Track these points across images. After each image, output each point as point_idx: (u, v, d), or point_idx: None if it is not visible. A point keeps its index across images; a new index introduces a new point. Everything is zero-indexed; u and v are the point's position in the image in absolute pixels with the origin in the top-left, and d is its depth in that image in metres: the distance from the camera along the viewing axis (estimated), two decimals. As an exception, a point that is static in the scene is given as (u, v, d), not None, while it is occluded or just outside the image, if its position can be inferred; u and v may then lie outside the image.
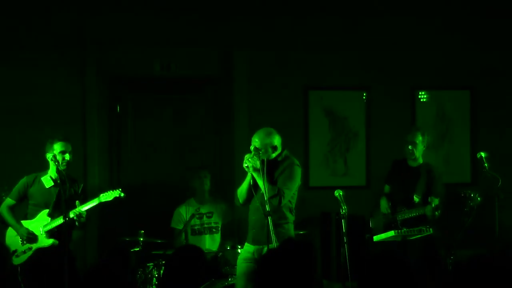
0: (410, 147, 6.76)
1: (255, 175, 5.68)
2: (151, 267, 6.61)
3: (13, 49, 7.60)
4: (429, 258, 6.80)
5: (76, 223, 6.28)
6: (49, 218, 6.31)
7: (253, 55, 7.92)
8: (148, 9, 7.75)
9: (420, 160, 6.85)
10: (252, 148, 5.77)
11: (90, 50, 7.72)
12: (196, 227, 7.27)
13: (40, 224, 6.32)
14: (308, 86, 8.06)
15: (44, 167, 6.55)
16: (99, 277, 3.75)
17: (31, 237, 6.31)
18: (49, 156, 6.33)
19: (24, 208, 6.55)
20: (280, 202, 5.67)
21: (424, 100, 8.25)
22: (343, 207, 5.82)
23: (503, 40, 8.23)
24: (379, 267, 3.37)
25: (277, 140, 5.82)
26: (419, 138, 6.78)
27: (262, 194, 5.62)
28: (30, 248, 6.32)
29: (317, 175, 8.03)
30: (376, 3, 8.09)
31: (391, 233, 6.46)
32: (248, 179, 5.80)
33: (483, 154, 6.74)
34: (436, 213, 6.49)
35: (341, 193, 5.90)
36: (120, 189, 6.39)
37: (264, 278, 3.54)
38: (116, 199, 6.39)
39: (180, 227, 7.20)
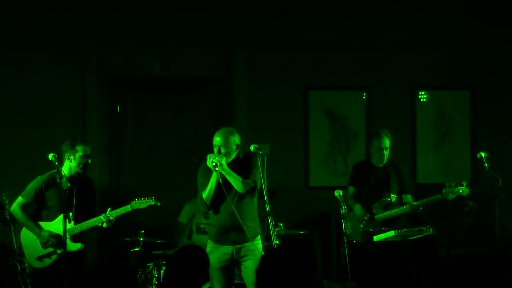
0: (386, 152, 6.66)
1: (224, 173, 5.56)
2: (151, 267, 6.60)
3: (13, 49, 7.60)
4: (429, 258, 6.79)
5: (104, 225, 6.09)
6: (73, 222, 6.06)
7: (253, 55, 7.93)
8: (148, 9, 7.76)
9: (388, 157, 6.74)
10: (216, 148, 5.65)
11: (90, 50, 7.73)
12: (201, 225, 7.24)
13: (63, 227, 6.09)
14: (308, 86, 8.06)
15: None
16: (99, 277, 3.75)
17: (58, 242, 6.05)
18: (69, 156, 6.11)
19: (30, 208, 6.38)
20: (255, 194, 5.65)
21: (424, 100, 8.26)
22: (343, 207, 5.82)
23: (503, 40, 8.23)
24: (379, 267, 3.37)
25: (238, 139, 5.78)
26: (389, 141, 6.69)
27: (236, 192, 5.60)
28: (54, 252, 6.10)
29: (317, 175, 8.04)
30: (376, 3, 8.09)
31: (391, 233, 6.44)
32: (214, 179, 5.61)
33: (483, 154, 6.72)
34: (420, 209, 6.45)
35: (341, 193, 5.90)
36: (153, 197, 6.24)
37: (264, 278, 3.54)
38: (150, 207, 6.23)
39: (185, 221, 7.17)
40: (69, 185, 6.11)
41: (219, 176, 5.57)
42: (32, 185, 6.19)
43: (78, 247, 6.13)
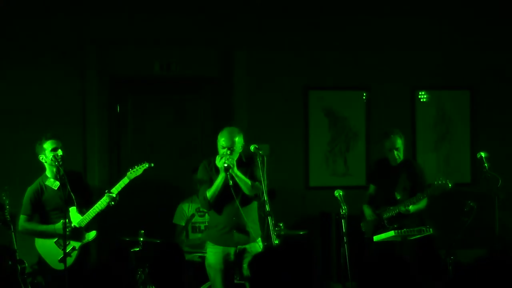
0: (396, 153, 6.69)
1: (234, 175, 5.55)
2: (151, 267, 6.60)
3: (13, 49, 7.60)
4: (429, 258, 6.80)
5: (111, 203, 6.04)
6: (80, 214, 6.09)
7: (253, 55, 7.93)
8: (148, 9, 7.76)
9: (401, 157, 6.76)
10: (224, 149, 5.63)
11: (90, 50, 7.72)
12: (197, 225, 7.27)
13: (73, 222, 6.10)
14: (308, 86, 8.06)
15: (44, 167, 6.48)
16: (99, 277, 3.75)
17: (76, 232, 6.06)
18: (42, 157, 6.15)
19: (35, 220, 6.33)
20: (262, 197, 5.63)
21: (424, 100, 8.26)
22: (343, 207, 5.83)
23: (503, 40, 8.24)
24: (379, 268, 3.37)
25: (243, 139, 5.77)
26: (400, 142, 6.71)
27: (243, 195, 5.60)
28: (74, 248, 6.11)
29: (317, 175, 8.04)
30: (376, 3, 8.10)
31: (391, 233, 6.45)
32: (221, 180, 5.60)
33: (483, 154, 6.73)
34: (411, 207, 6.46)
35: (341, 193, 5.91)
36: (145, 161, 6.11)
37: (263, 278, 3.54)
38: (145, 171, 6.08)
39: (182, 223, 7.20)
40: (59, 184, 6.13)
41: (228, 177, 5.55)
42: (26, 198, 6.22)
43: (93, 235, 6.15)
